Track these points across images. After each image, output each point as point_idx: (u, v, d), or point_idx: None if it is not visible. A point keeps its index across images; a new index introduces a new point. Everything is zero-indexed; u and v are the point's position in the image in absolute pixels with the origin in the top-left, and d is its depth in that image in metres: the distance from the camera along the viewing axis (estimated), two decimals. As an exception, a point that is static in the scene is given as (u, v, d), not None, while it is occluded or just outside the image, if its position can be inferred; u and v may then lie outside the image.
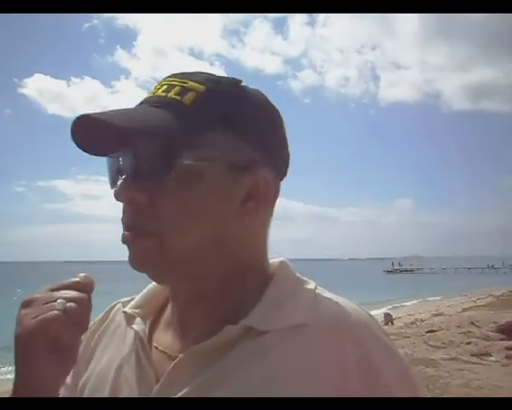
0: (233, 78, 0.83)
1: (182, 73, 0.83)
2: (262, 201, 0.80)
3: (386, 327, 16.71)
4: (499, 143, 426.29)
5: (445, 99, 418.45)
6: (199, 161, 0.76)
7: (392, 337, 10.05)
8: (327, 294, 0.84)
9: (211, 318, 0.82)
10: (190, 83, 0.80)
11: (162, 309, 0.92)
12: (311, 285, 0.85)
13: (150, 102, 0.80)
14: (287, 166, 0.88)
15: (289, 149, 0.88)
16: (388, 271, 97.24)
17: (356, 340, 0.76)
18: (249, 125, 0.80)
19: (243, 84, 0.83)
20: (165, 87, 0.81)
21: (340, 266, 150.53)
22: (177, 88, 0.80)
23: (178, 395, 0.77)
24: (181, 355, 0.80)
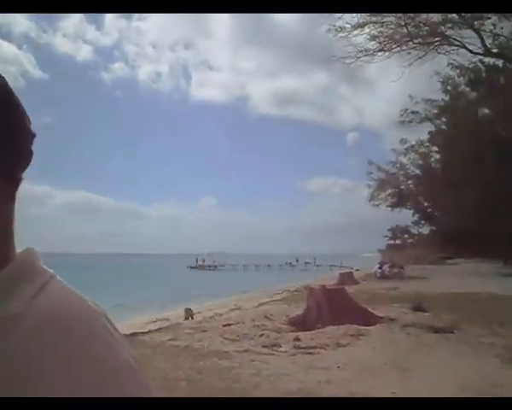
0: None
1: None
2: None
3: (186, 322, 16.93)
4: (301, 148, 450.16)
5: (252, 103, 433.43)
6: None
7: (190, 331, 10.24)
8: (57, 286, 0.83)
9: None
10: None
11: None
12: (45, 276, 0.84)
13: None
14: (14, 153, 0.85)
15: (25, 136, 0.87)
16: (192, 267, 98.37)
17: (61, 330, 0.75)
18: None
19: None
20: None
21: (146, 261, 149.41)
22: None
23: None
24: None
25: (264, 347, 11.22)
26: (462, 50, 15.89)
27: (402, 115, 50.64)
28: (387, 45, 15.70)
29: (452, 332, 12.62)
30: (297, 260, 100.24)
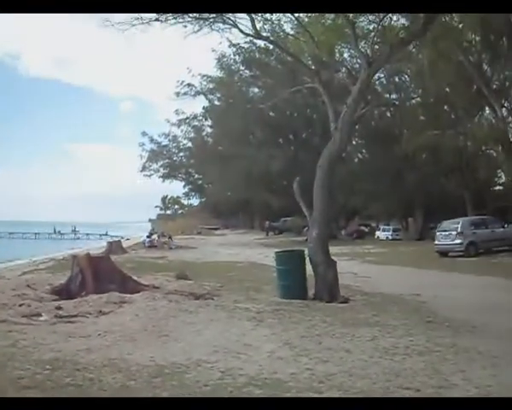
0: None
1: None
2: None
3: None
4: (71, 113, 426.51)
5: (23, 62, 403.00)
6: None
7: None
8: None
9: None
10: None
11: None
12: None
13: None
14: None
15: None
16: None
17: None
18: None
19: None
20: None
21: None
22: None
23: None
24: None
25: (23, 316, 10.81)
26: (236, 30, 16.48)
27: (178, 87, 51.45)
28: (164, 16, 15.71)
29: (212, 299, 13.33)
30: (58, 230, 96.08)
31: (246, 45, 45.38)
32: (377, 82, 40.16)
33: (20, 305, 12.10)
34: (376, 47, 16.56)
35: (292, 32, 22.00)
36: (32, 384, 6.23)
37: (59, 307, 11.63)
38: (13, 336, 9.04)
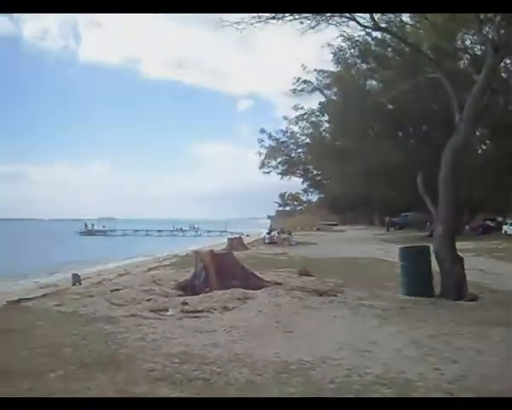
0: None
1: None
2: None
3: (73, 287, 16.54)
4: (192, 114, 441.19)
5: (144, 66, 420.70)
6: None
7: (76, 297, 10.06)
8: None
9: None
10: None
11: None
12: None
13: None
14: None
15: None
16: (81, 232, 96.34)
17: None
18: None
19: None
20: None
21: (40, 226, 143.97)
22: None
23: None
24: None
25: (151, 311, 11.19)
26: (353, 23, 16.15)
27: (294, 84, 51.50)
28: (280, 13, 15.67)
29: (335, 295, 13.17)
30: (180, 228, 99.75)
31: (360, 39, 44.55)
32: (503, 68, 38.06)
33: (148, 300, 12.56)
34: (502, 31, 15.63)
35: (410, 22, 21.30)
36: (162, 377, 6.42)
37: (184, 303, 11.93)
38: (142, 330, 9.37)
